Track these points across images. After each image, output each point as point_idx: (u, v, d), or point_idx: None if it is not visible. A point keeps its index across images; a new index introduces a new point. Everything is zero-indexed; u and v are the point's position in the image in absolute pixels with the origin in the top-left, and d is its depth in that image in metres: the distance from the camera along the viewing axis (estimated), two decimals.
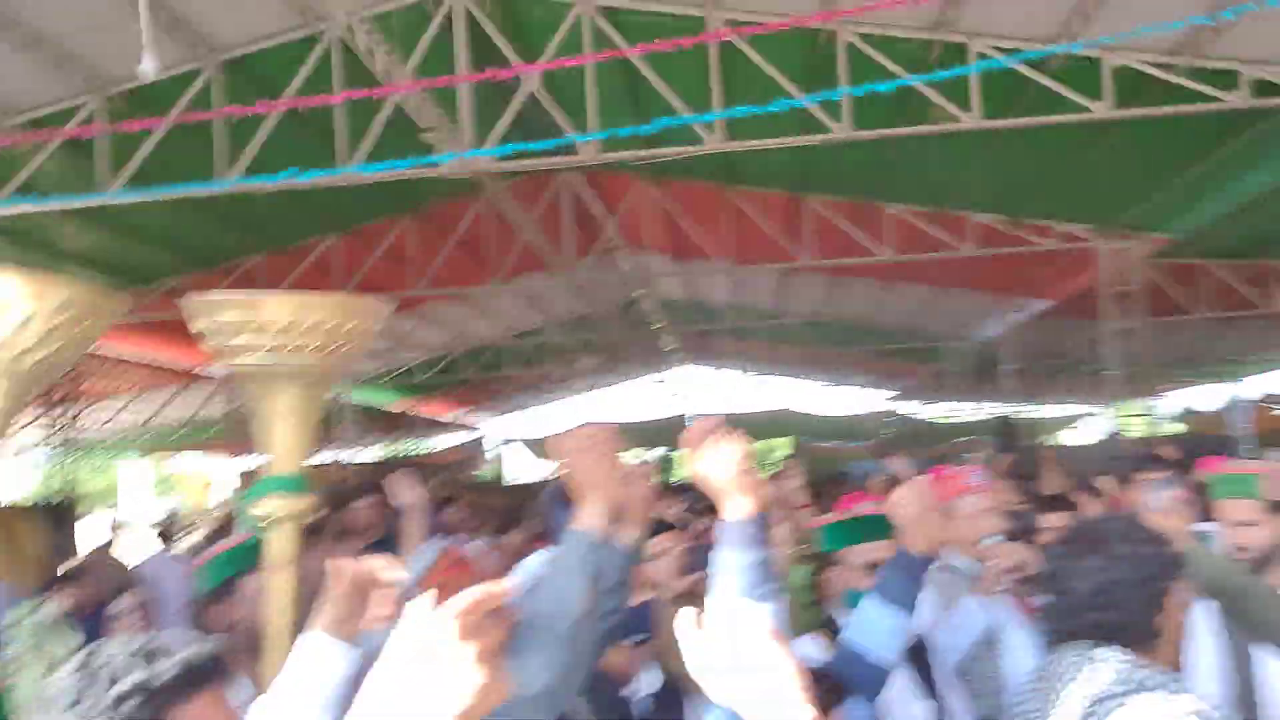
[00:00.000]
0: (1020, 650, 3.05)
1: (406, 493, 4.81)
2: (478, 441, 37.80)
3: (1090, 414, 36.45)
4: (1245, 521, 3.38)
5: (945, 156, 12.40)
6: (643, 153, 11.01)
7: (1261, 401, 30.87)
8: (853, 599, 2.89)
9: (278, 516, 1.73)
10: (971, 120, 9.53)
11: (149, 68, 5.02)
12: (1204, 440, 21.70)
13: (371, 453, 33.02)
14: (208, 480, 32.88)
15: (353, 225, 15.16)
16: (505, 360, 25.91)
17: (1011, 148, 11.59)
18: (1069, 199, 13.39)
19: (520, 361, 27.10)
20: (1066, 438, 35.36)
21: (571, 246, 15.29)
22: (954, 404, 30.01)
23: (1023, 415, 23.60)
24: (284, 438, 1.74)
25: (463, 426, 36.39)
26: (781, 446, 40.52)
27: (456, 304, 20.05)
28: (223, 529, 9.75)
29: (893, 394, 35.28)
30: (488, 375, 27.25)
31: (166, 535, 13.36)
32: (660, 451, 42.24)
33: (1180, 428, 24.23)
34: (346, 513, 5.95)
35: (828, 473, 29.05)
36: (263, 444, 1.77)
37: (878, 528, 2.93)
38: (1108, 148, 11.16)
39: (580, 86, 9.70)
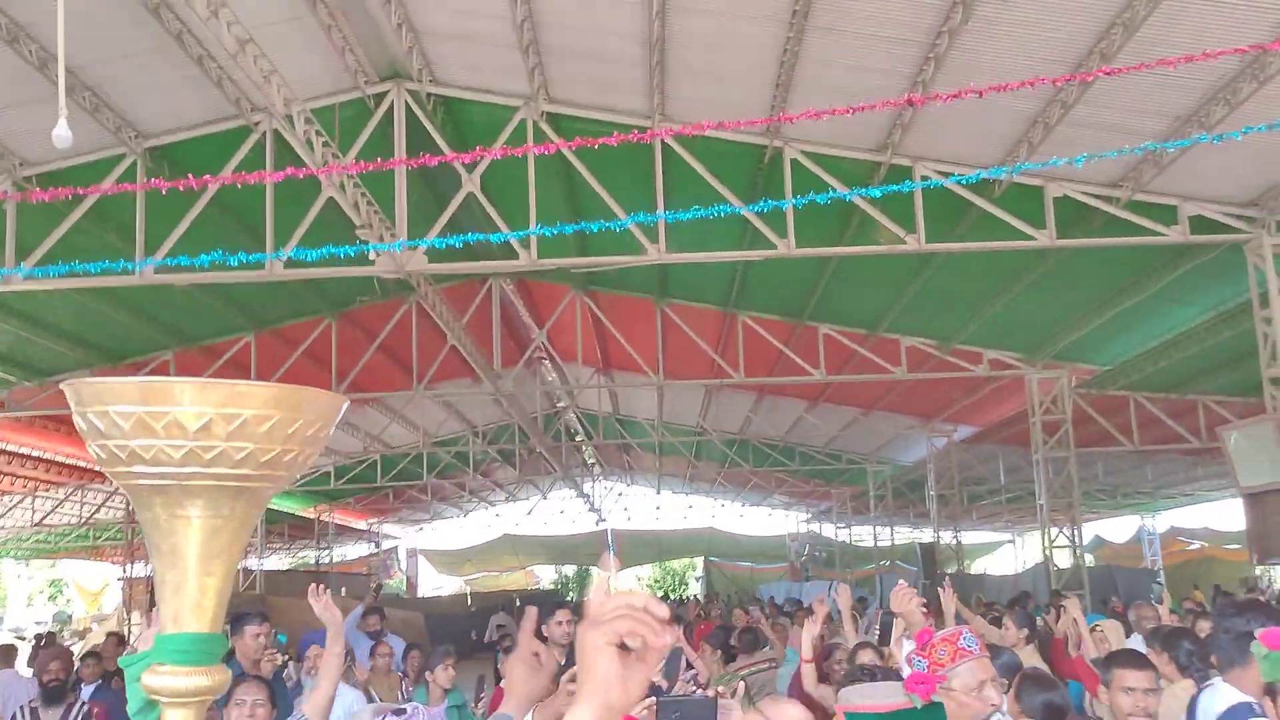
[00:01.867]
0: None
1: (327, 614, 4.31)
2: (389, 552, 36.57)
3: (1011, 541, 36.75)
4: None
5: (882, 279, 12.40)
6: (582, 260, 10.78)
7: (1169, 533, 31.44)
8: None
9: (175, 694, 1.21)
10: (915, 243, 9.48)
11: (63, 134, 4.57)
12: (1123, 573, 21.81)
13: (278, 560, 31.67)
14: (100, 587, 31.11)
15: (273, 324, 14.61)
16: (422, 469, 25.15)
17: (948, 273, 11.61)
18: (1001, 326, 13.45)
19: (438, 470, 26.35)
20: (987, 564, 35.47)
21: (499, 355, 14.91)
22: (873, 527, 29.85)
23: (944, 541, 23.46)
24: (194, 579, 1.27)
25: (374, 535, 35.21)
26: (698, 566, 40.03)
27: (376, 408, 19.43)
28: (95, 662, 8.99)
29: (810, 515, 35.14)
30: (404, 483, 26.43)
31: (49, 643, 12.40)
32: (576, 568, 41.27)
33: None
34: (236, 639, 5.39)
35: (741, 596, 28.69)
36: (164, 586, 1.28)
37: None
38: (1043, 276, 11.23)
39: (521, 191, 9.46)
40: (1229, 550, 29.45)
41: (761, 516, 37.97)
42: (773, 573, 34.79)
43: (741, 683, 6.04)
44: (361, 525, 33.61)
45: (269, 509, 23.99)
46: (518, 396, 17.35)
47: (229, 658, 5.77)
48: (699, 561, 39.70)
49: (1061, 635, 7.94)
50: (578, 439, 28.18)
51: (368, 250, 8.69)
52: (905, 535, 31.65)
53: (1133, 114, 8.18)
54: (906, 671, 2.64)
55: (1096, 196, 9.40)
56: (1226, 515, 30.22)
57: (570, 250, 11.16)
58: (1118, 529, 32.78)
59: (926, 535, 25.89)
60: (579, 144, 7.35)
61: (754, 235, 9.75)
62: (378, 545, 35.49)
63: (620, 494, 37.68)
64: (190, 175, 7.39)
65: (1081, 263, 10.71)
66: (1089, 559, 21.66)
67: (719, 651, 8.17)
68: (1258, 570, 24.83)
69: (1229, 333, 11.29)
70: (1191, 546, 30.04)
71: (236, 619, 5.64)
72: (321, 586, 4.54)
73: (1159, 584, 19.97)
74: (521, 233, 9.11)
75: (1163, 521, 31.63)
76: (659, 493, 36.17)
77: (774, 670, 7.47)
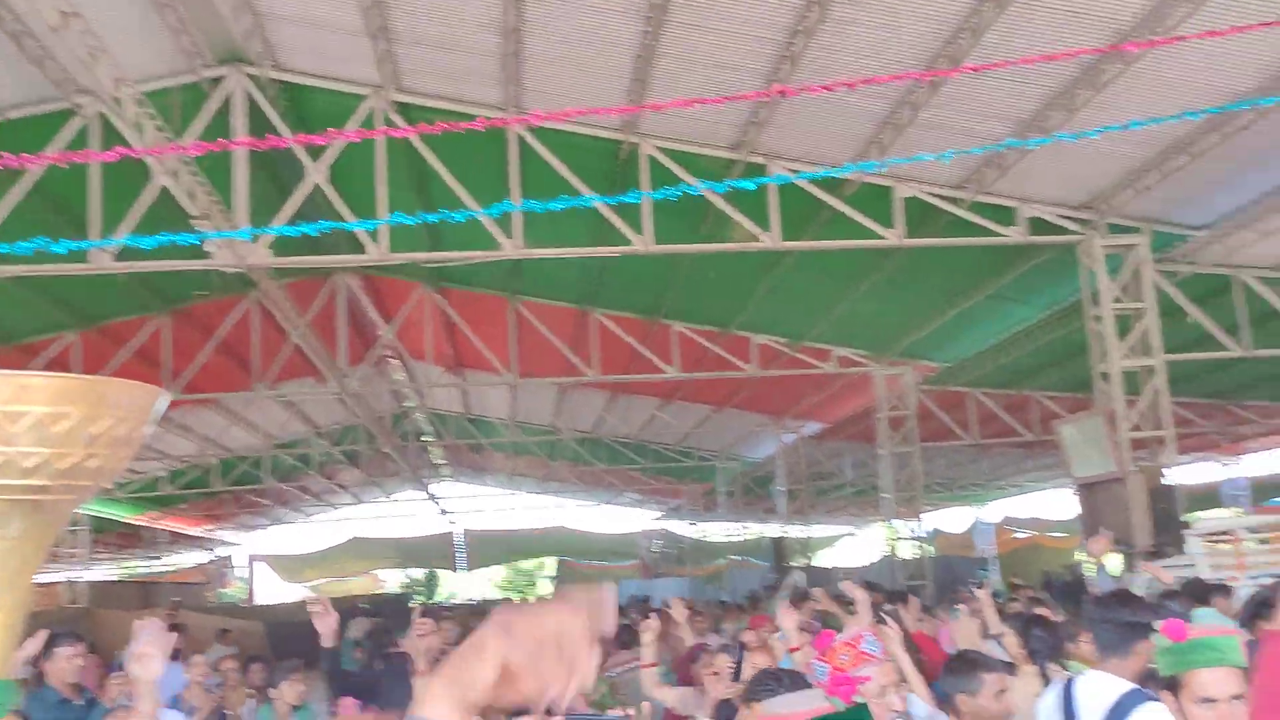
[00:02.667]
0: None
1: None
2: (226, 559, 35.06)
3: (853, 534, 37.81)
4: (1236, 695, 2.52)
5: (735, 278, 12.48)
6: (436, 255, 10.47)
7: (1001, 524, 32.91)
8: None
9: None
10: (770, 240, 9.54)
11: None
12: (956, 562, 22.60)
13: (105, 571, 29.91)
14: None
15: (99, 321, 13.71)
16: (263, 472, 24.13)
17: (798, 272, 11.77)
18: (849, 325, 13.74)
19: (280, 474, 25.34)
20: (833, 557, 36.38)
21: (345, 353, 14.40)
22: (723, 523, 30.26)
23: (792, 535, 23.94)
24: None
25: (212, 542, 33.70)
26: (549, 565, 39.85)
27: (212, 410, 18.51)
28: None
29: (661, 513, 35.39)
30: (242, 488, 25.32)
31: None
32: (426, 571, 40.41)
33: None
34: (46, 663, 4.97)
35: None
36: None
37: None
38: (890, 276, 11.51)
39: (369, 183, 9.10)
40: (1055, 538, 31.02)
41: (614, 515, 38.04)
42: (624, 570, 34.87)
43: (607, 686, 5.91)
44: (197, 532, 32.11)
45: (95, 516, 22.64)
46: (364, 396, 16.83)
47: (39, 682, 5.33)
48: (550, 561, 39.48)
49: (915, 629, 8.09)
50: (426, 439, 27.59)
51: (203, 240, 8.18)
52: (754, 530, 32.21)
53: (978, 117, 8.42)
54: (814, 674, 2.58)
55: (942, 197, 9.67)
56: (1053, 505, 31.86)
57: (422, 245, 10.83)
58: (954, 520, 34.12)
59: (775, 530, 26.37)
60: (430, 130, 7.07)
61: (610, 232, 9.65)
62: (213, 552, 34.01)
63: (471, 495, 37.15)
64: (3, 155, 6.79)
65: (927, 262, 11.00)
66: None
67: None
68: (1077, 556, 26.24)
69: (1061, 331, 11.82)
70: (1020, 535, 31.45)
71: (49, 640, 5.19)
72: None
73: (984, 571, 20.77)
74: (371, 223, 8.76)
75: (995, 512, 33.04)
76: (511, 493, 35.79)
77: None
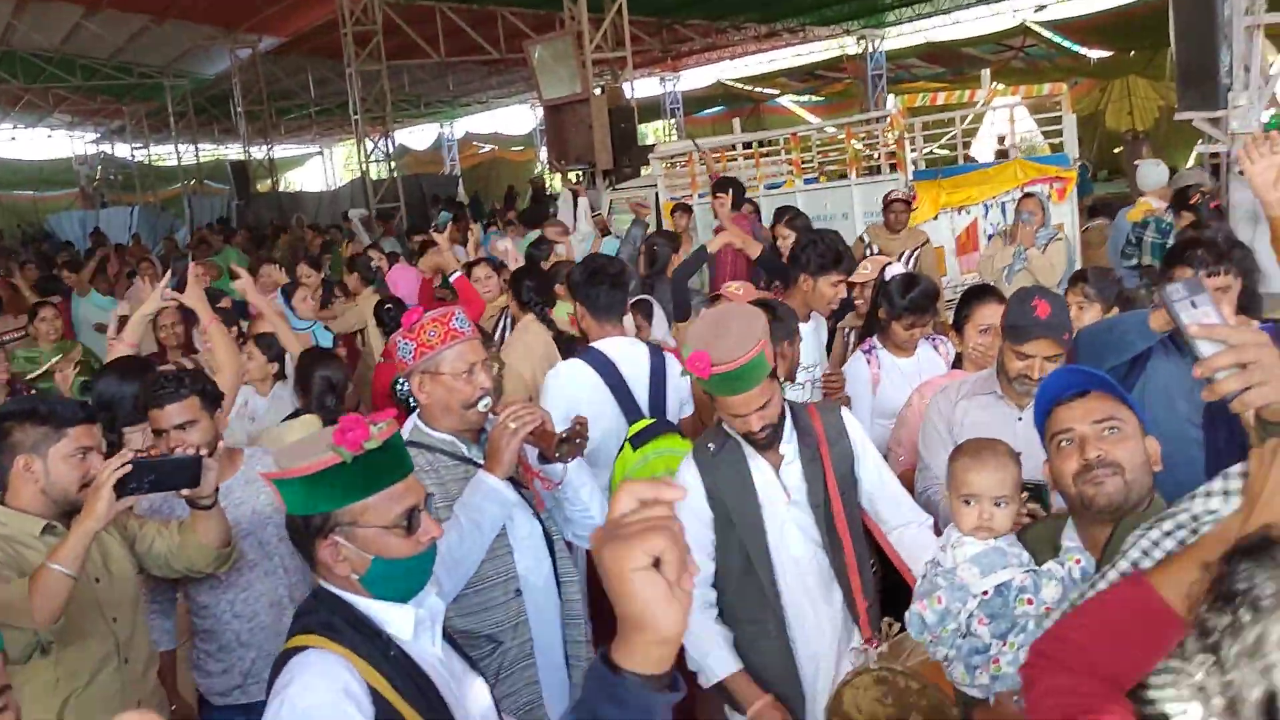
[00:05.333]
0: None
1: None
2: None
3: (320, 153, 36.72)
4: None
5: None
6: None
7: (465, 139, 33.70)
8: None
9: None
10: None
11: None
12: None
13: None
14: None
15: None
16: None
17: None
18: None
19: None
20: (296, 179, 35.29)
21: None
22: (175, 145, 27.78)
23: (255, 157, 22.73)
24: None
25: None
26: None
27: None
28: None
29: (99, 135, 31.69)
30: None
31: None
32: None
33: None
34: None
35: (32, 233, 25.63)
36: None
37: None
38: None
39: None
40: (514, 152, 32.53)
41: (40, 139, 33.39)
42: (61, 200, 31.28)
43: None
44: None
45: None
46: None
47: None
48: None
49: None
50: None
51: None
52: (212, 153, 30.11)
53: None
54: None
55: None
56: (513, 121, 33.07)
57: None
58: (419, 138, 34.28)
59: (235, 152, 24.82)
60: None
61: None
62: None
63: None
64: None
65: None
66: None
67: None
68: (538, 170, 27.88)
69: None
70: (483, 150, 32.54)
71: None
72: None
73: (460, 190, 21.34)
74: None
75: (459, 129, 33.62)
76: None
77: None
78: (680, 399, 3.64)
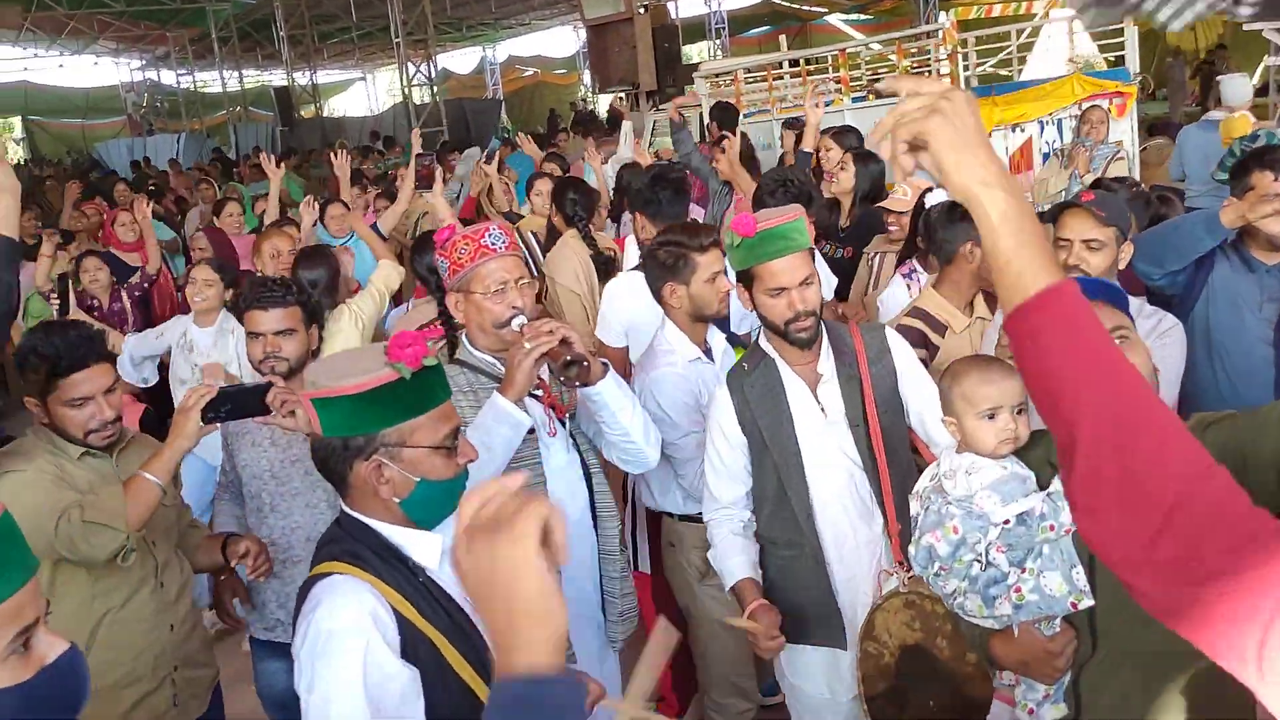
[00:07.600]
0: None
1: None
2: None
3: (363, 79, 36.55)
4: (806, 280, 2.53)
5: None
6: None
7: (507, 63, 33.36)
8: None
9: None
10: None
11: None
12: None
13: None
14: None
15: None
16: None
17: None
18: None
19: None
20: (339, 104, 35.19)
21: None
22: (220, 72, 27.72)
23: (299, 83, 22.64)
24: None
25: None
26: (16, 127, 35.04)
27: None
28: None
29: (145, 62, 31.69)
30: None
31: None
32: None
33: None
34: None
35: (78, 159, 25.80)
36: None
37: None
38: None
39: None
40: (557, 75, 32.15)
41: (87, 67, 33.49)
42: (109, 128, 31.45)
43: None
44: None
45: None
46: None
47: None
48: (16, 123, 34.63)
49: None
50: None
51: None
52: (256, 79, 30.04)
53: None
54: None
55: None
56: (556, 43, 32.63)
57: None
58: (461, 62, 33.96)
59: (279, 78, 24.75)
60: None
61: None
62: None
63: None
64: None
65: None
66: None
67: None
68: (583, 93, 27.54)
69: None
70: (526, 74, 32.20)
71: None
72: None
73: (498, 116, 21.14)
74: None
75: (502, 52, 33.26)
76: None
77: None
78: (741, 312, 3.56)
